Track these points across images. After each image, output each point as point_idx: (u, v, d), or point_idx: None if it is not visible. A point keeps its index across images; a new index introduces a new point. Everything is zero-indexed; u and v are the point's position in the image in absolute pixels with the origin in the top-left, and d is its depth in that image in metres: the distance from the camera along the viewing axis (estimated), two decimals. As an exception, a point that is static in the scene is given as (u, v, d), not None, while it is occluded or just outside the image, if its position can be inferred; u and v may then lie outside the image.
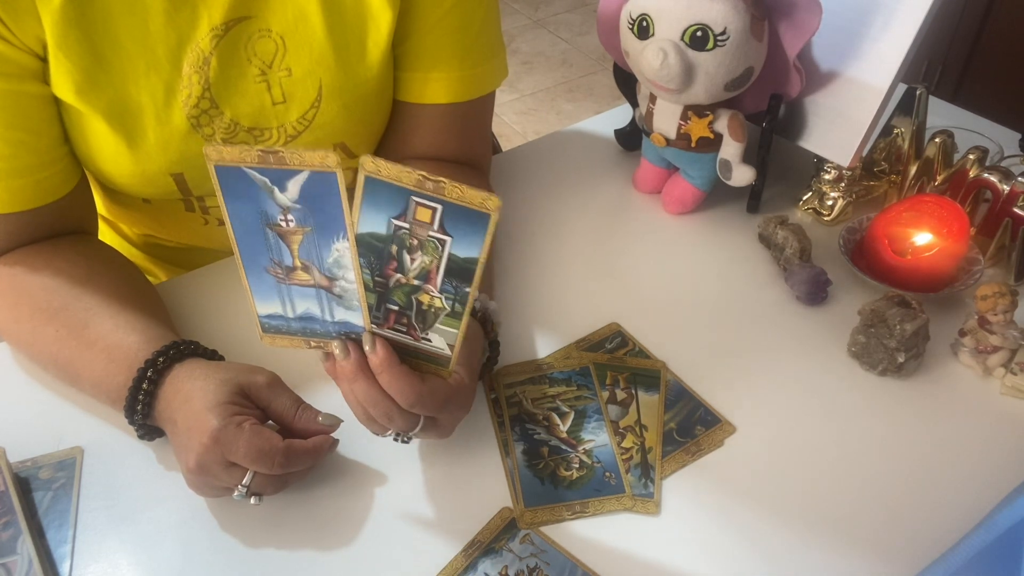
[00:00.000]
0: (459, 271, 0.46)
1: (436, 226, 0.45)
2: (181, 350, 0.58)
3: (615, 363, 0.66)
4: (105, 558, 0.54)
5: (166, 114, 0.63)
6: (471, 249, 0.45)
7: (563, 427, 0.61)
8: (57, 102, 0.62)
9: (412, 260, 0.47)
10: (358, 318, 0.50)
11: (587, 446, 0.60)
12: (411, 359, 0.52)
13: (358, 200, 0.45)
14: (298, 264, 0.48)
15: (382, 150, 0.77)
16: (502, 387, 0.64)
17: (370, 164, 0.44)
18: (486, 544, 0.54)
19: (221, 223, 0.76)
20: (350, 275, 0.48)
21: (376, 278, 0.48)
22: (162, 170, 0.66)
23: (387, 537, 0.55)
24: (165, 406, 0.56)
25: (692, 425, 0.61)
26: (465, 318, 0.48)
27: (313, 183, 0.44)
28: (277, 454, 0.52)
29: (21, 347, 0.66)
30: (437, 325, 0.49)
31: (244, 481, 0.52)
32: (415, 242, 0.46)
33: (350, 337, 0.51)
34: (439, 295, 0.48)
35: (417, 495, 0.57)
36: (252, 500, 0.53)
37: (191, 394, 0.54)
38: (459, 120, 0.75)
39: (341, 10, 0.65)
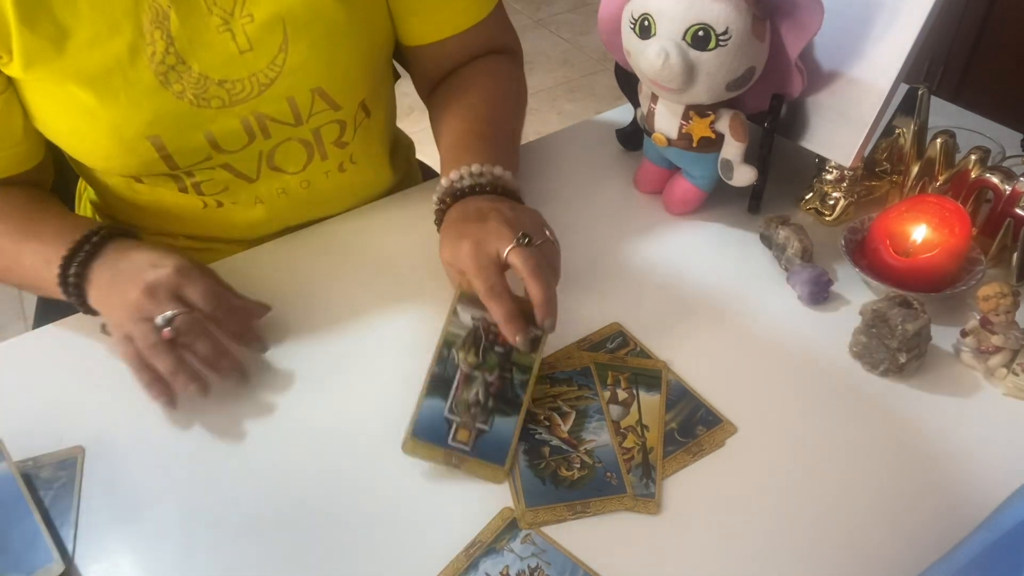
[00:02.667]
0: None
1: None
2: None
3: (616, 363, 0.66)
4: (106, 557, 0.54)
5: (134, 73, 0.64)
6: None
7: (564, 427, 0.61)
8: (15, 89, 0.65)
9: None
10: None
11: (588, 446, 0.60)
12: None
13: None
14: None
15: (420, 85, 0.84)
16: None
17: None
18: (487, 544, 0.54)
19: (220, 204, 0.76)
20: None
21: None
22: (139, 133, 0.66)
23: (388, 537, 0.55)
24: (113, 259, 0.64)
25: (693, 425, 0.61)
26: None
27: None
28: (223, 297, 0.63)
29: None
30: None
31: (174, 312, 0.60)
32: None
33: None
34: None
35: (418, 495, 0.57)
36: (168, 331, 0.60)
37: (144, 249, 0.64)
38: (485, 31, 0.79)
39: None
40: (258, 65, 0.67)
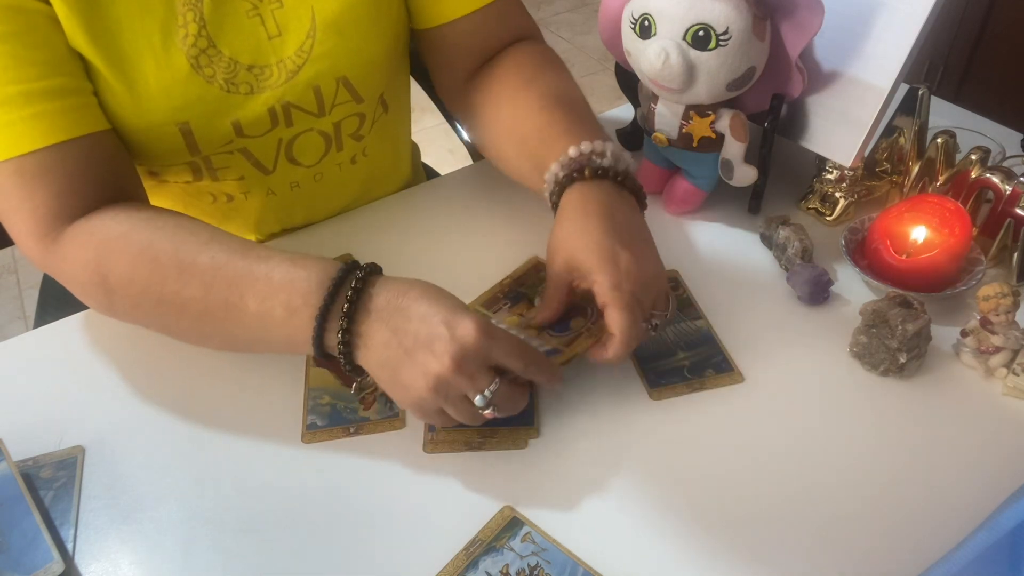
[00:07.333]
0: None
1: None
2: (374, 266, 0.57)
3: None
4: (106, 557, 0.54)
5: (165, 58, 0.63)
6: None
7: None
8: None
9: None
10: None
11: None
12: None
13: None
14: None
15: (443, 79, 0.80)
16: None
17: None
18: (487, 543, 0.54)
19: (230, 199, 0.76)
20: None
21: None
22: (167, 119, 0.65)
23: (388, 535, 0.55)
24: (385, 309, 0.53)
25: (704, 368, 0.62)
26: None
27: None
28: (526, 348, 0.55)
29: (151, 303, 0.59)
30: None
31: (492, 388, 0.53)
32: None
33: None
34: None
35: (418, 494, 0.57)
36: (489, 411, 0.54)
37: (419, 297, 0.53)
38: (502, 9, 0.77)
39: None
40: (286, 51, 0.67)
